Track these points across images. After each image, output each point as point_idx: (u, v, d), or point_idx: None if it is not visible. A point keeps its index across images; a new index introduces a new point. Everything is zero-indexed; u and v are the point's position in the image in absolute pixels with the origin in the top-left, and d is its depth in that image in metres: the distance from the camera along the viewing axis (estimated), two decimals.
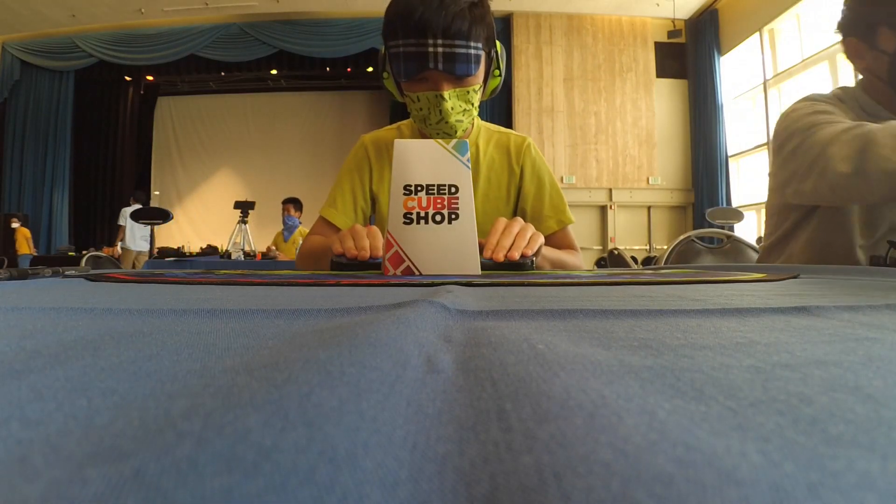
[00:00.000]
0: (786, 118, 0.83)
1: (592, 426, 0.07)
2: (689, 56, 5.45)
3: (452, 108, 0.71)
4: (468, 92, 0.71)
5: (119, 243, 4.75)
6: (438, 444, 0.07)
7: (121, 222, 4.81)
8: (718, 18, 5.19)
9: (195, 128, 7.08)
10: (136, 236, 4.80)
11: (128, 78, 6.28)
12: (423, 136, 0.79)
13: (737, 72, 5.04)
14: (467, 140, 0.57)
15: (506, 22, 5.44)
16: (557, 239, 0.83)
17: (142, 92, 6.64)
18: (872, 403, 0.09)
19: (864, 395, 0.09)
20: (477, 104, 0.75)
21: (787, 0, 4.21)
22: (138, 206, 4.85)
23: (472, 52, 0.68)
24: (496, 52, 0.75)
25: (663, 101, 5.47)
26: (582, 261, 0.81)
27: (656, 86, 5.47)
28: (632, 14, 5.42)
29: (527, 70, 5.37)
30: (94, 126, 6.30)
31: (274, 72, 6.19)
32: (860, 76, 0.84)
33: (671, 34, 5.32)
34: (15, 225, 5.25)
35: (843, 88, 0.85)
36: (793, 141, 0.78)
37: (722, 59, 5.16)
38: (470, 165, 0.52)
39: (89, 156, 6.24)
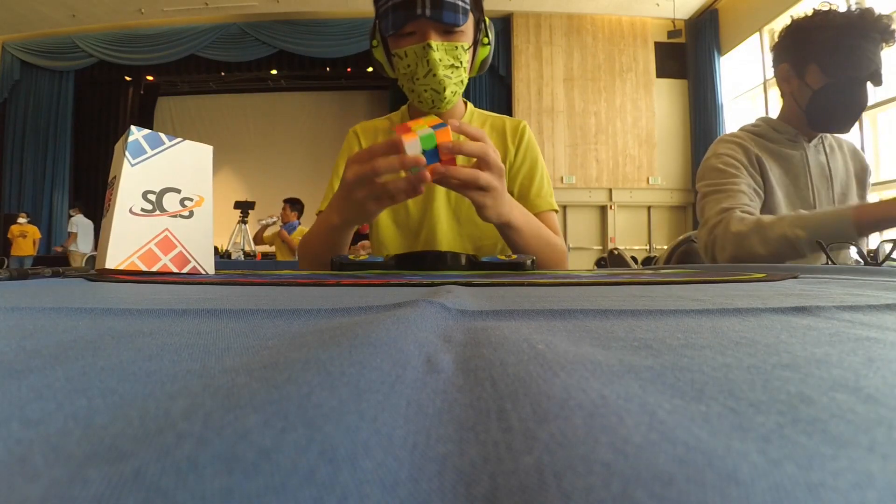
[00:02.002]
0: (705, 162, 1.00)
1: (592, 426, 0.07)
2: (689, 56, 5.45)
3: (440, 60, 0.70)
4: (456, 47, 0.71)
5: (70, 246, 5.28)
6: (438, 444, 0.07)
7: (72, 230, 5.36)
8: (718, 18, 5.19)
9: (195, 128, 7.08)
10: (86, 240, 5.38)
11: (128, 78, 6.29)
12: (416, 117, 0.77)
13: (737, 72, 5.04)
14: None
15: (506, 22, 5.44)
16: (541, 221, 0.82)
17: (142, 92, 6.63)
18: (872, 403, 0.09)
19: (864, 395, 0.09)
20: (466, 66, 0.74)
21: (787, 0, 4.21)
22: (80, 215, 5.40)
23: (460, 3, 0.68)
24: (485, 23, 0.76)
25: (663, 101, 5.47)
26: (564, 247, 0.76)
27: (656, 86, 5.47)
28: (632, 14, 5.42)
29: (527, 70, 5.37)
30: (94, 126, 6.29)
31: (274, 72, 6.20)
32: (782, 100, 0.99)
33: (671, 34, 5.32)
34: (22, 220, 5.22)
35: (765, 119, 1.01)
36: (701, 189, 0.98)
37: (722, 59, 5.16)
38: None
39: (89, 156, 6.24)
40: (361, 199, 0.56)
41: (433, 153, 0.52)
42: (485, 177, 0.55)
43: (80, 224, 5.38)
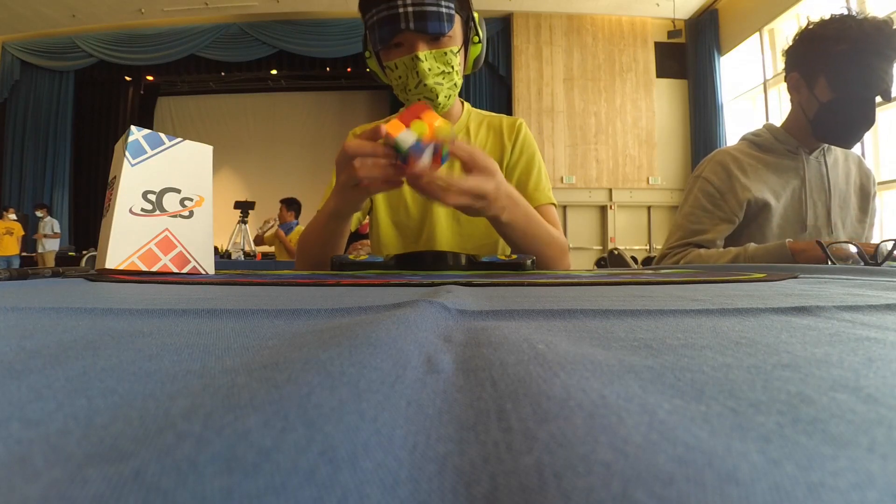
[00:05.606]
0: (693, 179, 1.02)
1: (592, 426, 0.07)
2: (689, 56, 5.44)
3: (430, 70, 0.71)
4: (445, 53, 0.71)
5: (49, 246, 5.39)
6: (438, 444, 0.07)
7: (57, 229, 5.50)
8: (718, 18, 5.19)
9: (195, 128, 7.08)
10: (53, 239, 5.49)
11: (128, 78, 6.28)
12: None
13: (737, 72, 5.04)
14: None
15: (506, 22, 5.44)
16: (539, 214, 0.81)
17: (142, 92, 6.63)
18: (872, 403, 0.09)
19: (864, 395, 0.09)
20: (458, 70, 0.74)
21: (787, 0, 4.21)
22: (50, 217, 5.43)
23: (444, 10, 0.69)
24: (474, 20, 0.76)
25: (663, 101, 5.47)
26: (564, 240, 0.75)
27: (656, 86, 5.47)
28: (632, 14, 5.42)
29: (527, 70, 5.37)
30: (94, 126, 6.29)
31: (274, 72, 6.19)
32: (791, 106, 0.98)
33: (671, 34, 5.32)
34: (12, 216, 5.03)
35: (768, 127, 1.00)
36: (681, 206, 1.04)
37: (722, 59, 5.16)
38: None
39: (89, 156, 6.23)
40: (343, 182, 0.56)
41: (417, 147, 0.50)
42: (474, 190, 0.55)
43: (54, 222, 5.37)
